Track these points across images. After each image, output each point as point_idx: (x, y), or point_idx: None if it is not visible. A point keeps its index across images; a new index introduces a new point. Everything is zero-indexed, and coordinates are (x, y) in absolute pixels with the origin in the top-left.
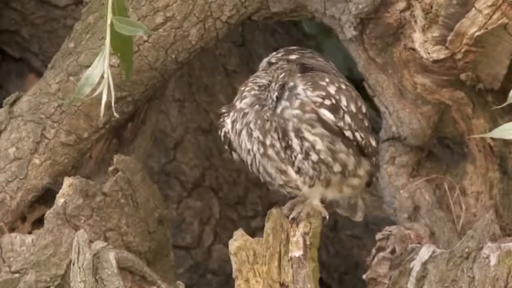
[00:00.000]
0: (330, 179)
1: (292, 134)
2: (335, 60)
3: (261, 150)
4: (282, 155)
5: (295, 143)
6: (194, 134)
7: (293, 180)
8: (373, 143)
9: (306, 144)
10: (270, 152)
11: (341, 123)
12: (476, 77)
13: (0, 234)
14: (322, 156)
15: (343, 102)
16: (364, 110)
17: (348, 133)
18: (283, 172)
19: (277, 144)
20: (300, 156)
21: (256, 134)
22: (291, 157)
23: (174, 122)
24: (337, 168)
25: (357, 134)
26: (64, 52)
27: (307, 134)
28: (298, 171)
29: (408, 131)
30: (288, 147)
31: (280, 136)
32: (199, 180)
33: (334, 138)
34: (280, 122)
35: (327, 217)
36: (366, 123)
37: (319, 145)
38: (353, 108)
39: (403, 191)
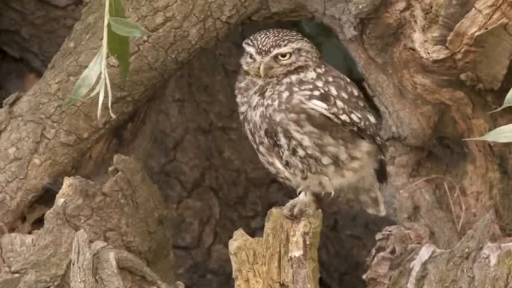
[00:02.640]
0: (324, 171)
1: (281, 135)
2: (335, 60)
3: (254, 146)
4: (270, 151)
5: (283, 142)
6: (194, 134)
7: (281, 172)
8: (372, 120)
9: (294, 142)
10: (261, 148)
11: (334, 109)
12: (476, 77)
13: (0, 234)
14: (309, 152)
15: (333, 91)
16: (356, 93)
17: (343, 117)
18: (271, 164)
19: (265, 140)
20: (286, 153)
21: (248, 133)
22: (279, 153)
23: (174, 122)
24: (326, 160)
25: (353, 116)
26: (64, 52)
27: (295, 134)
28: (286, 164)
29: (408, 131)
30: (276, 145)
31: (269, 135)
32: (199, 180)
33: (322, 133)
34: (271, 125)
35: (320, 212)
36: (361, 103)
37: (306, 142)
38: (344, 95)
39: (403, 191)
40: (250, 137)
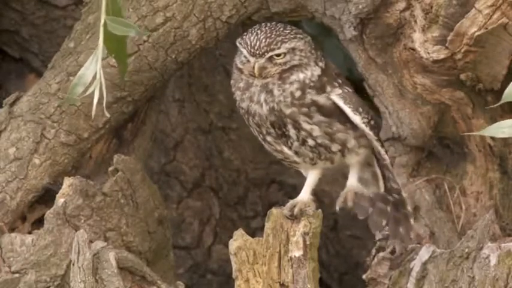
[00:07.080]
0: (332, 158)
1: (290, 126)
2: (335, 60)
3: (260, 136)
4: (278, 139)
5: (292, 132)
6: (194, 134)
7: (290, 156)
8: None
9: (303, 133)
10: (269, 138)
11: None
12: (476, 77)
13: (0, 234)
14: (319, 141)
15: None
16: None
17: (371, 122)
18: (280, 151)
19: (272, 130)
20: (296, 143)
21: (252, 123)
22: (287, 143)
23: (174, 122)
24: (335, 147)
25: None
26: (64, 52)
27: (305, 125)
28: (296, 154)
29: (408, 131)
30: (284, 135)
31: (276, 126)
32: (199, 180)
33: (331, 121)
34: (281, 117)
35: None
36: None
37: (316, 132)
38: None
39: (403, 191)
40: (256, 128)
